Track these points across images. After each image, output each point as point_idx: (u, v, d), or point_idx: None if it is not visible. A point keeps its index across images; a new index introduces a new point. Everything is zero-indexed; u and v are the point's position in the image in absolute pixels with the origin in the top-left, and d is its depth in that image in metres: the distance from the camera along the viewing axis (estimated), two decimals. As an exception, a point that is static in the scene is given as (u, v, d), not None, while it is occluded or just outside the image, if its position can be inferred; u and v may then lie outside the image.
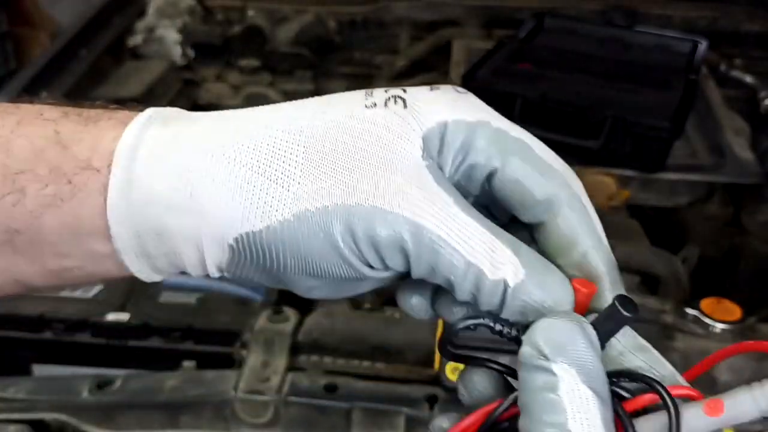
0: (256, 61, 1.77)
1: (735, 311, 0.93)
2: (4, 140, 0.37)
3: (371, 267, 0.35)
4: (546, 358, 0.32)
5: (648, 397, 0.34)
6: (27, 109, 0.39)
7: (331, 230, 0.34)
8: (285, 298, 1.19)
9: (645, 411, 0.34)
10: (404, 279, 0.37)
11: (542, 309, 0.34)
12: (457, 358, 0.38)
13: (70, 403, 0.84)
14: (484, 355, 0.83)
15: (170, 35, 1.81)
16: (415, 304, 0.39)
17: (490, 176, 0.37)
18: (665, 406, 0.33)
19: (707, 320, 0.92)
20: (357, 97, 0.37)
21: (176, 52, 1.81)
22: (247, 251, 0.35)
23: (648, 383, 0.34)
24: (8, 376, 0.89)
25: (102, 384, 0.85)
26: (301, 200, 0.34)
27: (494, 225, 0.35)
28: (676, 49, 1.70)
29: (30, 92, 1.40)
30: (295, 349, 0.89)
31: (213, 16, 1.92)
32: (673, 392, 0.33)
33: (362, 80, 1.96)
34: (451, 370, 0.81)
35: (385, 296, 1.19)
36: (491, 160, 0.36)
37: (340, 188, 0.34)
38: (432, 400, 0.82)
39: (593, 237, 0.37)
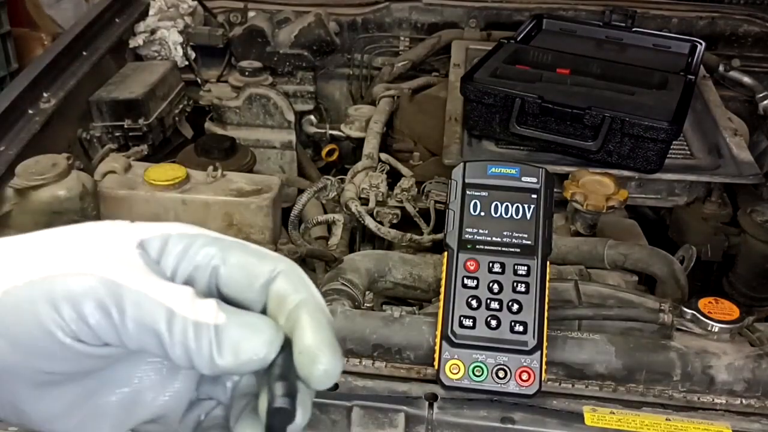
0: (257, 62, 1.78)
1: (733, 311, 0.94)
2: None
3: (81, 341, 0.35)
4: None
5: None
6: None
7: (36, 302, 0.34)
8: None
9: None
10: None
11: (250, 354, 0.36)
12: None
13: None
14: (483, 354, 0.84)
15: (172, 37, 1.81)
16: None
17: (214, 272, 0.39)
18: None
19: (705, 320, 0.92)
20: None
21: (178, 54, 1.82)
22: None
23: None
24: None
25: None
26: (10, 278, 0.35)
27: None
28: (674, 51, 1.71)
29: (31, 93, 1.41)
30: (296, 348, 0.90)
31: (214, 17, 1.92)
32: None
33: (362, 82, 1.97)
34: (451, 369, 0.82)
35: (386, 296, 1.20)
36: (213, 259, 0.39)
37: (44, 265, 0.35)
38: (432, 399, 0.83)
39: (307, 292, 0.39)
